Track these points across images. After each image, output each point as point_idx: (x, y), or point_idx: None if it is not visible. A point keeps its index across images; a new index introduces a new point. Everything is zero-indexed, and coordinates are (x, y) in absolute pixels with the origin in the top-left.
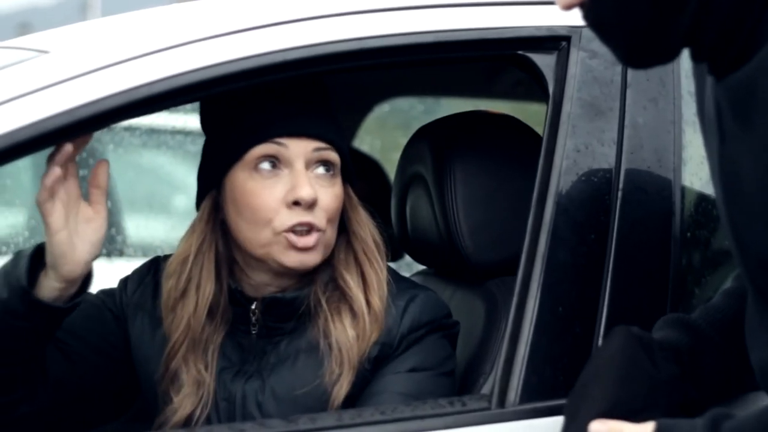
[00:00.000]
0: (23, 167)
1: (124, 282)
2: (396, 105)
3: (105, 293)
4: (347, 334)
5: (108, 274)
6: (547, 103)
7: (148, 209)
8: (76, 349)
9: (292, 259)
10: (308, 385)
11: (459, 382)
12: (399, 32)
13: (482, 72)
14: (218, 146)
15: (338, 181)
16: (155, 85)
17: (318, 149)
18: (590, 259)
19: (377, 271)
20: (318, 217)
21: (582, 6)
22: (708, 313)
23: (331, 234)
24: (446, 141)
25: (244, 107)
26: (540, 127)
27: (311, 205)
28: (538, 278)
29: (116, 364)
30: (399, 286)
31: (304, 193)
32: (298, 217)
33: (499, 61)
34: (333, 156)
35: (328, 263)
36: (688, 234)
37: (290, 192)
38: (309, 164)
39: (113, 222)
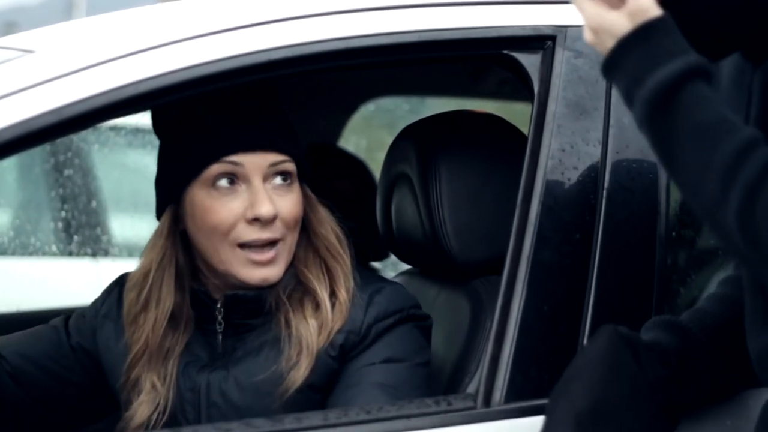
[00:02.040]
0: (8, 167)
1: (95, 301)
2: (381, 104)
3: (78, 314)
4: (308, 324)
5: (94, 274)
6: (533, 103)
7: (133, 209)
8: (25, 370)
9: (254, 276)
10: (267, 372)
11: (444, 382)
12: (383, 32)
13: (467, 71)
14: (174, 160)
15: (296, 186)
16: (141, 85)
17: (274, 164)
18: (575, 258)
19: (342, 264)
20: (278, 230)
21: None
22: (698, 317)
23: (291, 240)
24: (431, 141)
25: (198, 121)
26: (525, 127)
27: (272, 219)
28: (523, 278)
29: (73, 384)
30: (366, 280)
31: (264, 210)
32: (257, 233)
33: (484, 61)
34: (290, 166)
35: (290, 264)
36: (673, 233)
37: (249, 209)
38: (266, 177)
39: (99, 222)
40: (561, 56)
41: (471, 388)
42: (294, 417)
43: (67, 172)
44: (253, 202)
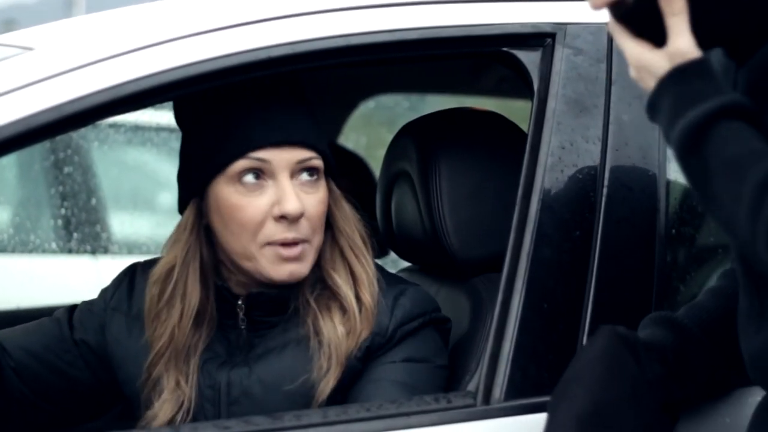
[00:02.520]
0: (7, 164)
1: (104, 291)
2: (381, 102)
3: (83, 309)
4: (337, 331)
5: (93, 272)
6: (532, 100)
7: (133, 206)
8: (27, 365)
9: (281, 272)
10: (295, 375)
11: None
12: (384, 29)
13: (467, 69)
14: (199, 154)
15: (322, 183)
16: (141, 82)
17: (302, 161)
18: (575, 256)
19: (366, 267)
20: (303, 230)
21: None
22: (694, 312)
23: (318, 241)
24: (431, 138)
25: (223, 115)
26: (525, 124)
27: (298, 217)
28: (523, 275)
29: (75, 379)
30: (388, 280)
31: (291, 207)
32: (284, 232)
33: (484, 58)
34: (317, 163)
35: (315, 263)
36: (673, 231)
37: (276, 205)
38: (293, 173)
39: (98, 219)
40: (561, 54)
41: (471, 386)
42: (293, 414)
43: (66, 169)
44: (280, 199)
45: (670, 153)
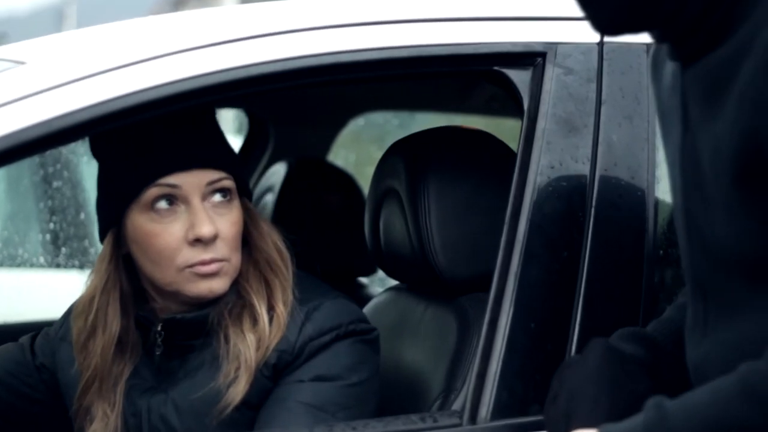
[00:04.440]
0: None
1: (57, 321)
2: (371, 119)
3: (44, 334)
4: (245, 339)
5: (81, 286)
6: (522, 119)
7: None
8: None
9: (201, 288)
10: (206, 393)
11: (431, 398)
12: (375, 47)
13: (456, 87)
14: (112, 184)
15: (236, 203)
16: (130, 97)
17: (211, 182)
18: (563, 276)
19: (281, 279)
20: (219, 250)
21: None
22: (662, 326)
23: (236, 260)
24: (420, 156)
25: (133, 144)
26: (514, 143)
27: (213, 239)
28: (510, 295)
29: (39, 402)
30: (309, 295)
31: (204, 230)
32: (200, 254)
33: (475, 77)
34: (228, 183)
35: (233, 281)
36: (661, 252)
37: (190, 230)
38: (205, 196)
39: (86, 234)
40: (551, 73)
41: (457, 405)
42: None
43: (55, 183)
44: (194, 223)
45: (658, 174)
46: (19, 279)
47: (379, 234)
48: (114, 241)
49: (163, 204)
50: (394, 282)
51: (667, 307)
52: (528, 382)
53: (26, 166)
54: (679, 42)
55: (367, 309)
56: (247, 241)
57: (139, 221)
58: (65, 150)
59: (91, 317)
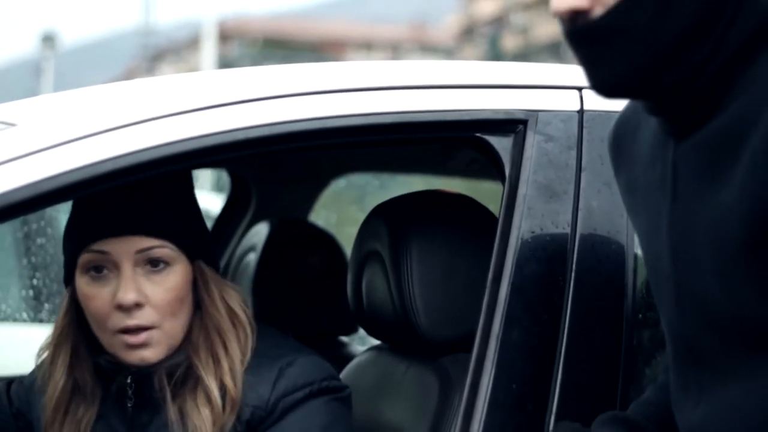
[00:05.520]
0: None
1: (31, 372)
2: (352, 180)
3: (20, 381)
4: (201, 414)
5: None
6: (504, 185)
7: None
8: None
9: (132, 357)
10: None
11: None
12: (359, 113)
13: (437, 151)
14: (64, 247)
15: (176, 269)
16: (119, 160)
17: (142, 250)
18: (544, 338)
19: (230, 353)
20: (146, 317)
21: (580, 14)
22: (643, 408)
23: (170, 326)
24: (403, 219)
25: (76, 208)
26: (493, 206)
27: (137, 306)
28: (492, 356)
29: None
30: (280, 351)
31: (126, 298)
32: (125, 320)
33: (457, 143)
34: (162, 252)
35: (182, 345)
36: (640, 315)
37: (114, 296)
38: (137, 263)
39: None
40: (532, 140)
41: None
42: None
43: (39, 240)
44: (118, 289)
45: (637, 239)
46: (1, 333)
47: (362, 294)
48: (70, 297)
49: (95, 270)
50: (375, 341)
51: (645, 369)
52: None
53: (10, 223)
54: (676, 116)
55: (348, 368)
56: (199, 303)
57: (80, 283)
58: (49, 207)
59: (44, 368)
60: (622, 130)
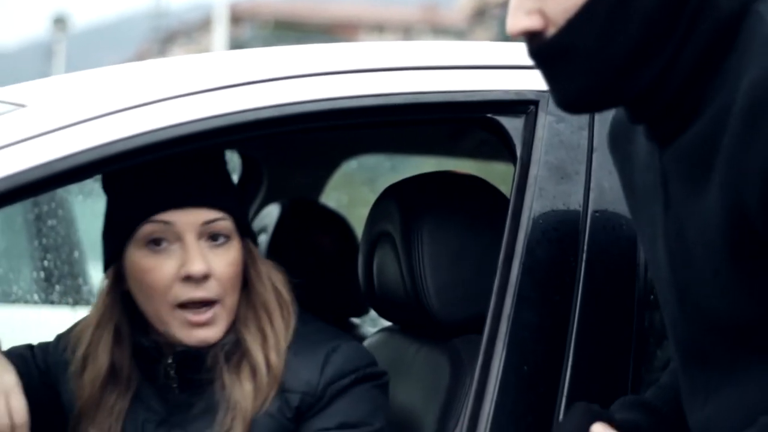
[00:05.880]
0: None
1: (59, 339)
2: (363, 162)
3: (41, 348)
4: (243, 389)
5: (73, 323)
6: (515, 166)
7: None
8: None
9: (192, 338)
10: None
11: None
12: (370, 93)
13: (448, 132)
14: (114, 219)
15: (234, 244)
16: (129, 141)
17: (207, 222)
18: (555, 319)
19: (275, 327)
20: (212, 290)
21: (537, 35)
22: (663, 392)
23: (231, 301)
24: (414, 200)
25: (133, 180)
26: (504, 187)
27: (204, 278)
28: (503, 337)
29: (42, 417)
30: (322, 336)
31: (195, 268)
32: (191, 292)
33: (468, 123)
34: (224, 225)
35: (232, 324)
36: (651, 296)
37: (182, 267)
38: (200, 236)
39: (80, 272)
40: (543, 120)
41: None
42: None
43: (50, 222)
44: (185, 260)
45: None
46: (12, 315)
47: (373, 276)
48: (114, 277)
49: (157, 241)
50: (385, 323)
51: (657, 350)
52: (520, 423)
53: (21, 205)
54: (655, 123)
55: None
56: (246, 281)
57: (135, 257)
58: (60, 189)
59: (83, 348)
60: (617, 131)
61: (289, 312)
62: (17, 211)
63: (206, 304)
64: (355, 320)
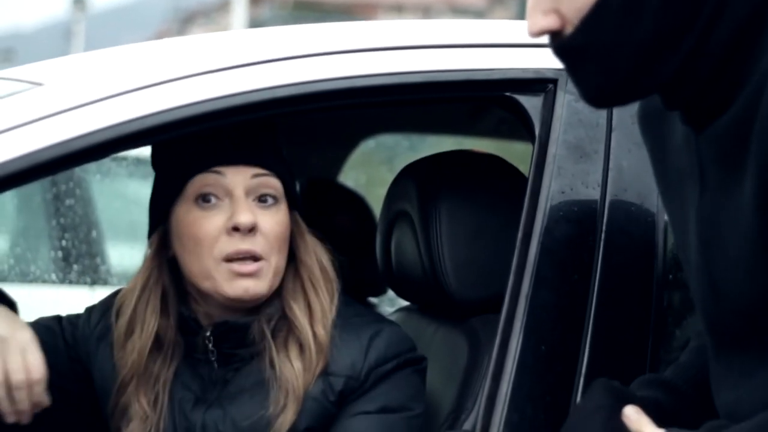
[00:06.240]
0: (9, 196)
1: (89, 312)
2: (381, 141)
3: (69, 320)
4: (293, 366)
5: (90, 303)
6: (533, 145)
7: (132, 239)
8: None
9: (236, 288)
10: (256, 416)
11: (441, 418)
12: (388, 72)
13: (466, 111)
14: (162, 181)
15: (282, 208)
16: (147, 119)
17: (257, 175)
18: (573, 299)
19: (322, 300)
20: (259, 244)
21: (557, 33)
22: (683, 371)
23: (277, 263)
24: (432, 179)
25: (184, 141)
26: (523, 166)
27: (251, 231)
28: (521, 317)
29: (67, 391)
30: (364, 319)
31: (242, 218)
32: (238, 244)
33: (486, 102)
34: (273, 182)
35: (277, 293)
36: (670, 276)
37: (229, 219)
38: (249, 192)
39: (97, 251)
40: (562, 99)
41: (467, 425)
42: None
43: (68, 201)
44: (234, 212)
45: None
46: (30, 295)
47: (391, 255)
48: (160, 240)
49: (206, 197)
50: (403, 302)
51: (676, 330)
52: (538, 403)
53: (39, 184)
54: (690, 108)
55: None
56: (294, 254)
57: (182, 213)
58: (77, 168)
59: (129, 315)
60: (648, 111)
61: (333, 289)
62: (35, 191)
63: (252, 258)
64: (373, 300)
